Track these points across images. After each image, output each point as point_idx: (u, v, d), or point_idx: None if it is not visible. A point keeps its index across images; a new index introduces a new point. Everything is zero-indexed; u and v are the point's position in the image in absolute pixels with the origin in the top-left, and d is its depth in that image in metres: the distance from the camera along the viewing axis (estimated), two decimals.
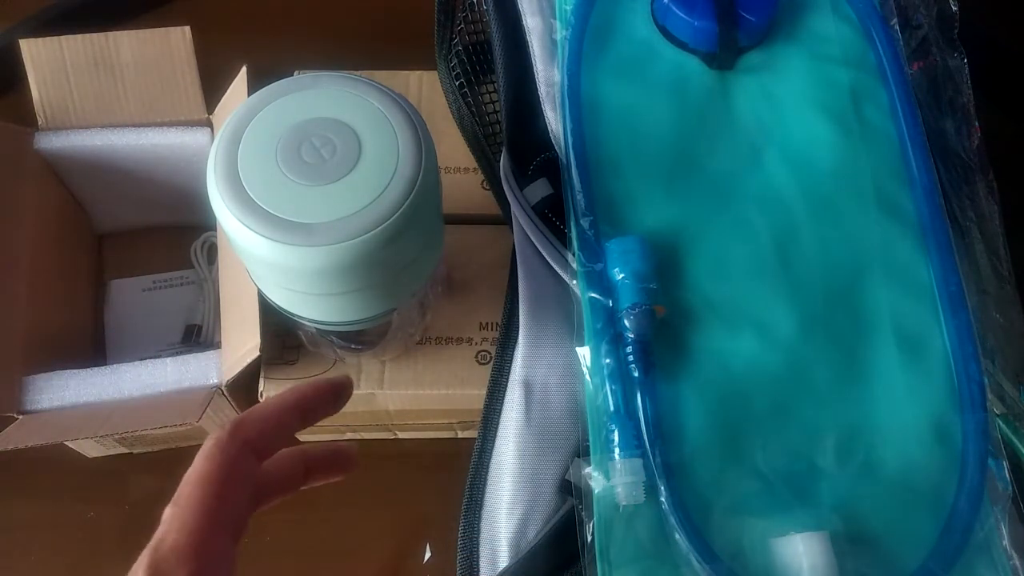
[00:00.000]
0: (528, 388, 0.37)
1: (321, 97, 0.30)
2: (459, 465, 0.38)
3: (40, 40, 0.45)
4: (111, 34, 0.45)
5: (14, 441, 0.38)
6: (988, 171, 0.40)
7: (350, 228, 0.28)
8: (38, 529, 0.46)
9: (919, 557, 0.32)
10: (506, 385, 0.38)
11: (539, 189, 0.39)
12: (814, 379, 0.35)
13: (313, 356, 0.41)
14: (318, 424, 0.44)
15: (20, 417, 0.41)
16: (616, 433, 0.32)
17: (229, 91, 0.45)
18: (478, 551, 0.36)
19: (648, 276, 0.34)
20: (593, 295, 0.35)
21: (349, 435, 0.48)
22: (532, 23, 0.42)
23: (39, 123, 0.47)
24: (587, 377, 0.34)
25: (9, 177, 0.45)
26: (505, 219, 0.41)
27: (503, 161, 0.41)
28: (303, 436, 0.48)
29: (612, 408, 0.33)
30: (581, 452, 0.34)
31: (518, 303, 0.38)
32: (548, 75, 0.41)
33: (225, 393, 0.41)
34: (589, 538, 0.32)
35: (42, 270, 0.45)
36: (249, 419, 0.27)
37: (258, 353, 0.38)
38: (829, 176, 0.38)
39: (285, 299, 0.33)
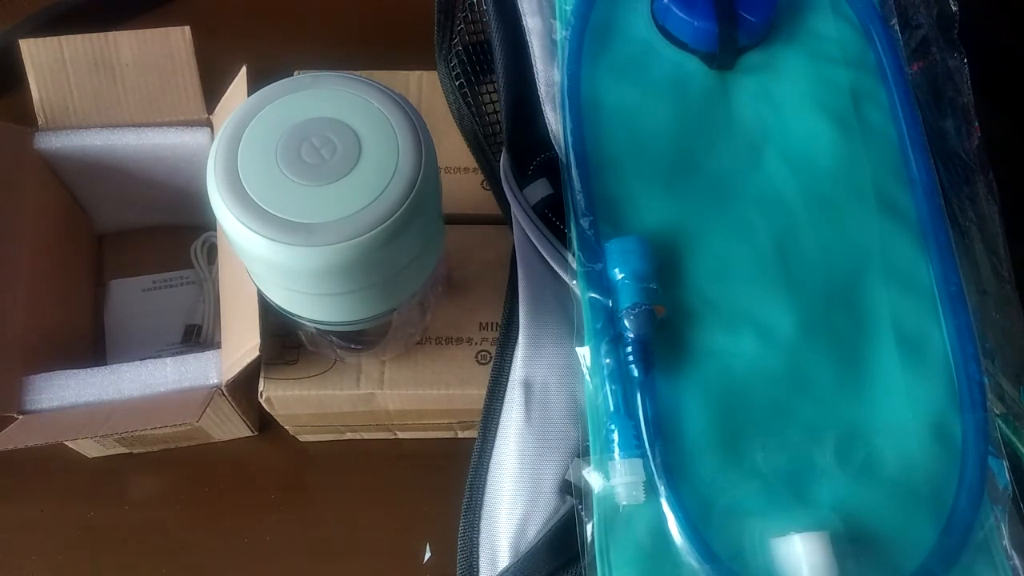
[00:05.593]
0: (528, 388, 0.37)
1: (321, 97, 0.30)
2: (459, 465, 0.38)
3: (40, 40, 0.45)
4: (111, 34, 0.45)
5: (14, 441, 0.38)
6: (988, 171, 0.40)
7: (350, 228, 0.28)
8: (38, 529, 0.46)
9: (919, 557, 0.32)
10: (506, 385, 0.38)
11: (539, 189, 0.39)
12: (814, 379, 0.35)
13: (313, 356, 0.41)
14: (319, 425, 0.45)
15: (20, 417, 0.41)
16: (616, 433, 0.32)
17: (229, 91, 0.45)
18: (478, 551, 0.36)
19: (648, 276, 0.34)
20: (593, 295, 0.35)
21: (349, 435, 0.48)
22: (532, 23, 0.42)
23: (39, 123, 0.47)
24: (587, 377, 0.34)
25: (9, 177, 0.45)
26: (505, 219, 0.41)
27: (503, 161, 0.41)
28: (303, 437, 0.48)
29: (612, 408, 0.33)
30: (581, 452, 0.34)
31: (518, 303, 0.38)
32: (548, 75, 0.41)
33: (225, 393, 0.41)
34: (589, 538, 0.32)
35: (42, 270, 0.45)
36: None
37: (258, 353, 0.38)
38: (829, 176, 0.38)
39: (285, 299, 0.33)
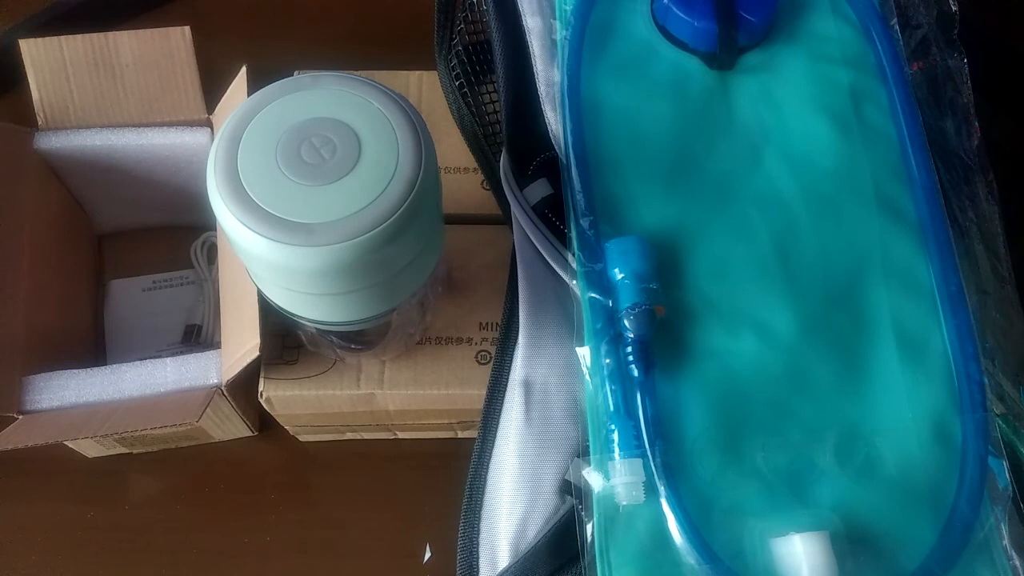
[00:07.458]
0: (528, 388, 0.37)
1: (321, 97, 0.30)
2: (459, 465, 0.38)
3: (40, 40, 0.45)
4: (111, 34, 0.45)
5: (14, 441, 0.38)
6: (988, 171, 0.40)
7: (350, 228, 0.28)
8: (38, 529, 0.46)
9: (919, 557, 0.32)
10: (506, 385, 0.38)
11: (539, 189, 0.39)
12: (814, 379, 0.35)
13: (313, 356, 0.41)
14: (319, 425, 0.45)
15: (20, 417, 0.41)
16: (616, 433, 0.32)
17: (229, 91, 0.45)
18: (478, 551, 0.36)
19: (648, 276, 0.34)
20: (593, 295, 0.35)
21: (349, 435, 0.48)
22: (532, 23, 0.42)
23: (39, 123, 0.47)
24: (587, 377, 0.34)
25: (9, 177, 0.45)
26: (505, 219, 0.41)
27: (503, 161, 0.41)
28: (303, 437, 0.48)
29: (612, 408, 0.33)
30: (581, 452, 0.34)
31: (518, 303, 0.38)
32: (548, 75, 0.41)
33: (225, 393, 0.41)
34: (589, 538, 0.32)
35: (42, 270, 0.45)
36: None
37: (258, 353, 0.38)
38: (829, 176, 0.38)
39: (285, 299, 0.33)
